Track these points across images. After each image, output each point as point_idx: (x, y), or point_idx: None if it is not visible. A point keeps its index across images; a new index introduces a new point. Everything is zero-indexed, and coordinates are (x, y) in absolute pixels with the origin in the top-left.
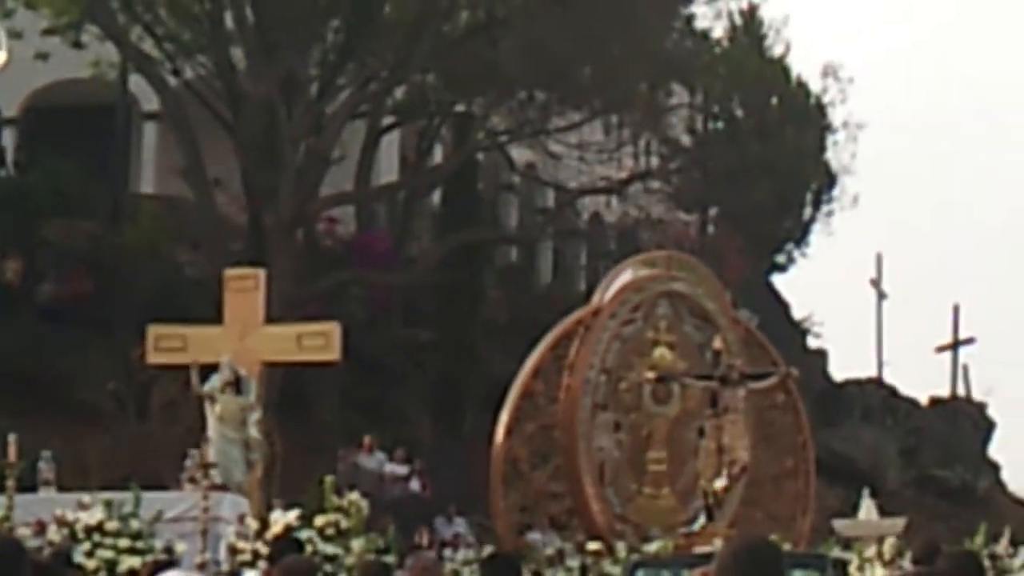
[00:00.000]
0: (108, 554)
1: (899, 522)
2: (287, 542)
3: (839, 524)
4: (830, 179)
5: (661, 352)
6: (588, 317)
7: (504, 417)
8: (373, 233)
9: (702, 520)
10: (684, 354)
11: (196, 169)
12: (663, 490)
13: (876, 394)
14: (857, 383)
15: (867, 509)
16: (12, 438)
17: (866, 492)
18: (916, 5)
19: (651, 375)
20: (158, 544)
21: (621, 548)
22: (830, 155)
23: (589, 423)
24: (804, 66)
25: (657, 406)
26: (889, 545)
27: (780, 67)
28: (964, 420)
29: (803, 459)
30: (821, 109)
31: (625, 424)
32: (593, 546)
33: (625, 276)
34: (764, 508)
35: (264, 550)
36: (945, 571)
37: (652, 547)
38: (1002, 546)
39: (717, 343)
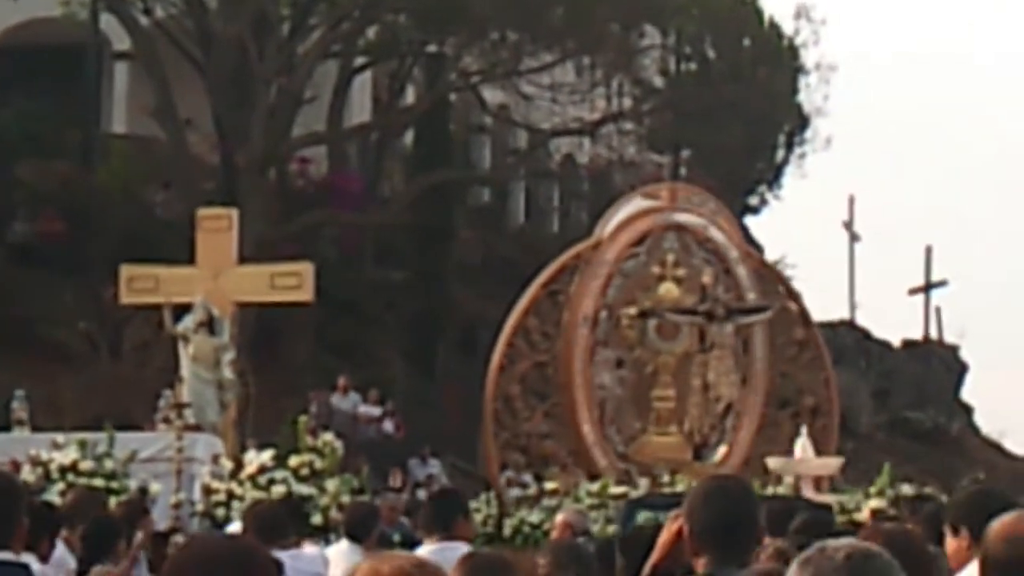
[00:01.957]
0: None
1: (834, 461)
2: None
3: (773, 462)
4: (802, 121)
5: (667, 287)
6: (587, 251)
7: (496, 354)
8: (345, 174)
9: (721, 452)
10: (693, 288)
11: (167, 109)
12: (670, 428)
13: (849, 336)
14: (830, 325)
15: (803, 447)
16: None
17: (803, 430)
18: None
19: (632, 311)
20: (132, 484)
21: (642, 486)
22: (802, 97)
23: (587, 360)
24: (776, 7)
25: (664, 342)
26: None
27: (752, 8)
28: (937, 363)
29: (826, 397)
30: (793, 50)
31: (628, 361)
32: (551, 485)
33: (627, 209)
34: (783, 446)
35: (238, 491)
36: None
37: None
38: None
39: (705, 277)
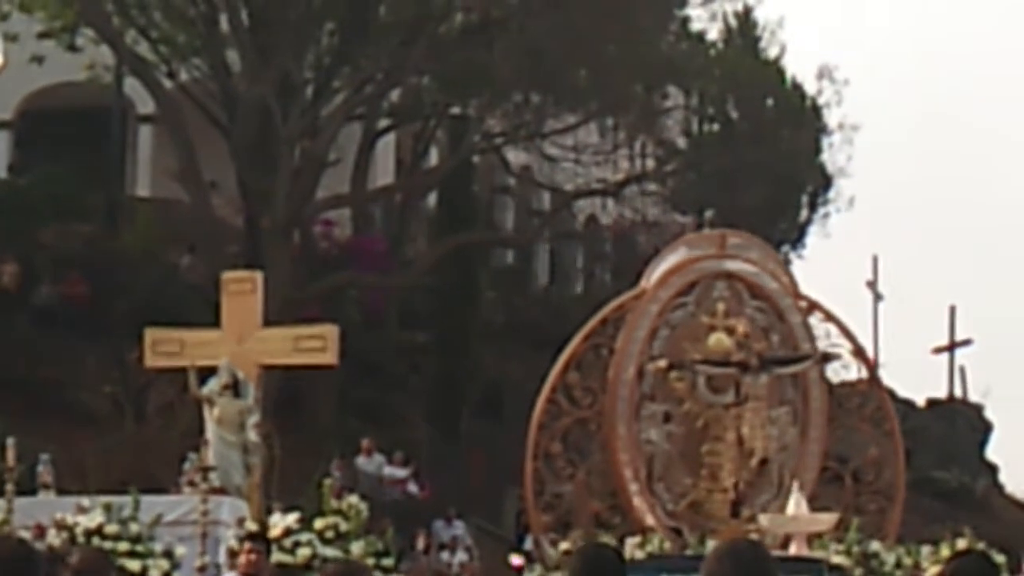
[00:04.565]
0: (111, 558)
1: (829, 517)
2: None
3: (764, 519)
4: (826, 181)
5: (718, 338)
6: (630, 302)
7: (536, 411)
8: (369, 236)
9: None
10: (752, 338)
11: (192, 172)
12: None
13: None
14: (852, 385)
15: (796, 503)
16: (10, 441)
17: (795, 485)
18: (910, 6)
19: (662, 364)
20: (158, 548)
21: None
22: (826, 157)
23: (632, 414)
24: (799, 68)
25: (714, 395)
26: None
27: (775, 69)
28: (961, 422)
29: (889, 448)
30: (816, 111)
31: (677, 415)
32: (564, 545)
33: (673, 258)
34: (844, 501)
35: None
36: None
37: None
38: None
39: (741, 327)
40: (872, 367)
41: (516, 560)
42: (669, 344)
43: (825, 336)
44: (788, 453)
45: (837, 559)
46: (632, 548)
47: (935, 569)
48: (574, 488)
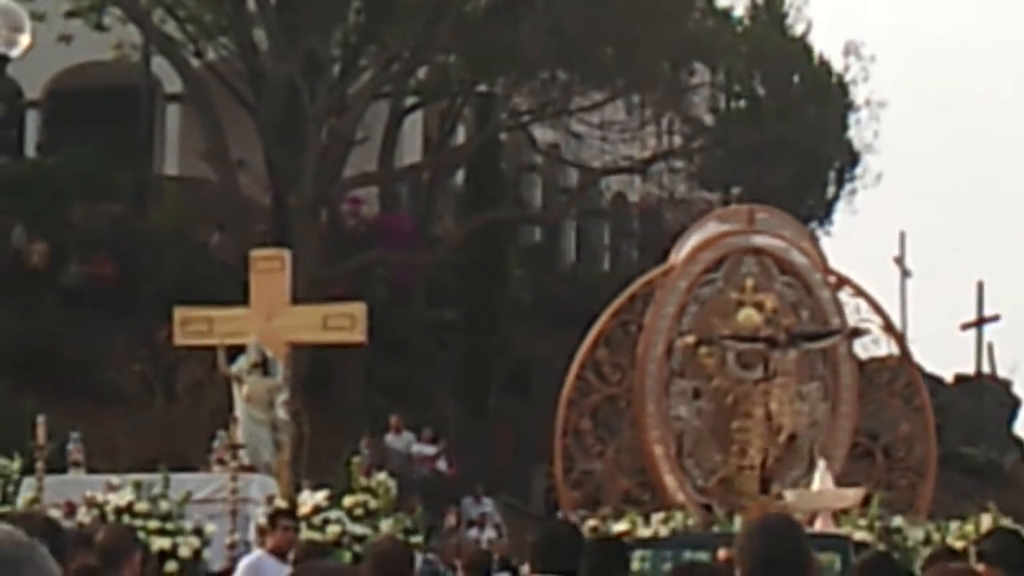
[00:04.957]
0: (138, 535)
1: (854, 492)
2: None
3: (790, 495)
4: (853, 157)
5: (747, 313)
6: (659, 278)
7: (565, 388)
8: (397, 214)
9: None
10: (781, 313)
11: (219, 150)
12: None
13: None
14: (882, 360)
15: (821, 479)
16: (40, 420)
17: (821, 462)
18: None
19: (690, 340)
20: (188, 525)
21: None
22: (852, 133)
23: (663, 391)
24: (826, 44)
25: (743, 371)
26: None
27: (802, 45)
28: (989, 398)
29: (921, 423)
30: (843, 87)
31: (706, 391)
32: (592, 522)
33: (701, 233)
34: (875, 478)
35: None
36: (990, 548)
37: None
38: None
39: (769, 303)
40: (903, 342)
41: None
42: (698, 320)
43: (855, 311)
44: (818, 429)
45: (859, 535)
46: (657, 524)
47: (959, 544)
48: (603, 465)
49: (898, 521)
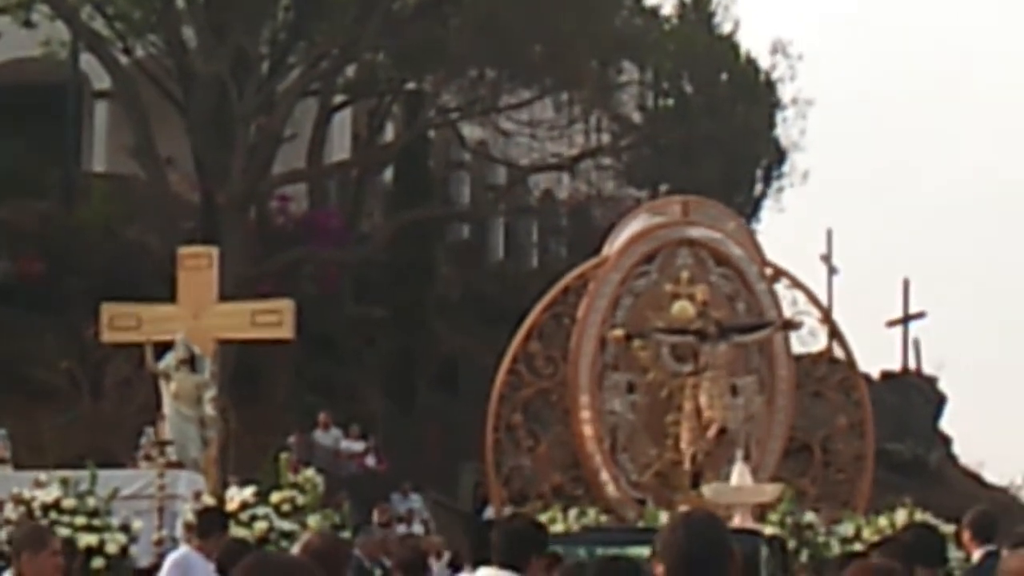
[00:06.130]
0: (65, 532)
1: (772, 488)
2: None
3: (708, 490)
4: (780, 155)
5: (682, 306)
6: (592, 271)
7: (497, 382)
8: (325, 211)
9: (736, 477)
10: (714, 306)
11: (148, 148)
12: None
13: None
14: (807, 357)
15: (740, 474)
16: None
17: (739, 454)
18: None
19: (619, 333)
20: (115, 522)
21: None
22: (780, 131)
23: (595, 384)
24: (753, 43)
25: (679, 364)
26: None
27: (729, 44)
28: (915, 394)
29: (859, 417)
30: (770, 85)
31: (640, 384)
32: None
33: (635, 225)
34: (813, 472)
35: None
36: (907, 543)
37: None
38: None
39: (700, 295)
40: (840, 334)
41: None
42: (632, 313)
43: (792, 304)
44: (755, 423)
45: (770, 530)
46: (571, 520)
47: (873, 540)
48: (535, 460)
49: (809, 516)
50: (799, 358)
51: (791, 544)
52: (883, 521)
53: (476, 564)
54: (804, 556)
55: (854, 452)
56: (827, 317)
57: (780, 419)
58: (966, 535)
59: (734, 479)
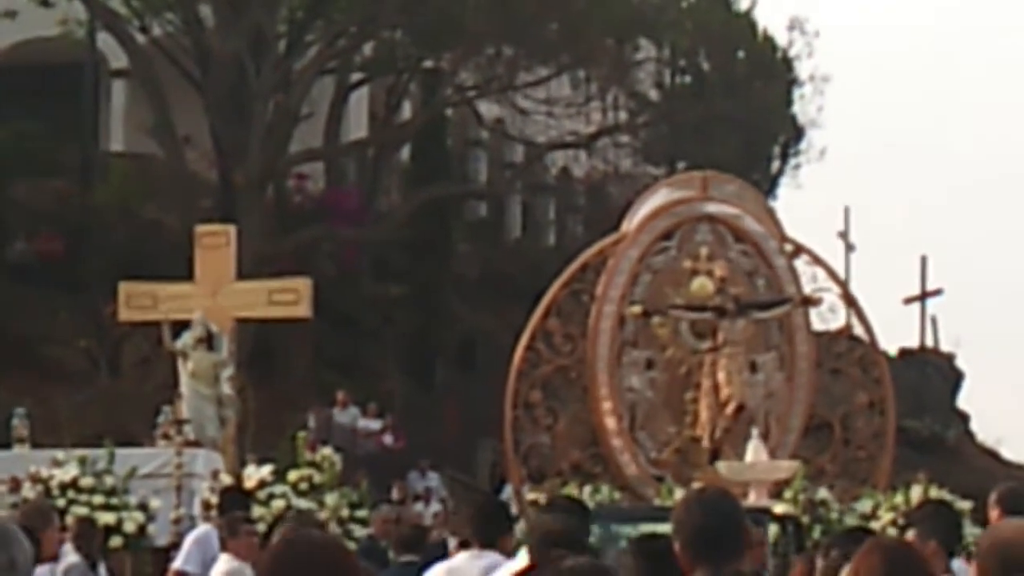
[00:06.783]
0: (83, 510)
1: (789, 465)
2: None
3: (723, 467)
4: (797, 132)
5: (701, 282)
6: (610, 247)
7: (515, 359)
8: (343, 189)
9: (751, 454)
10: (734, 282)
11: (165, 126)
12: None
13: (841, 347)
14: (826, 334)
15: (755, 450)
16: None
17: (755, 431)
18: None
19: (637, 309)
20: (133, 500)
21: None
22: (797, 108)
23: (613, 361)
24: (770, 20)
25: (699, 340)
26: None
27: (746, 21)
28: (933, 371)
29: (879, 394)
30: (787, 62)
31: (659, 361)
32: (531, 495)
33: (654, 201)
34: (833, 449)
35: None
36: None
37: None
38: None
39: (718, 271)
40: (860, 310)
41: None
42: (651, 289)
43: (812, 280)
44: (775, 400)
45: (781, 507)
46: (587, 498)
47: (888, 516)
48: (554, 437)
49: (823, 493)
50: (819, 335)
51: (804, 521)
52: (898, 498)
53: (485, 544)
54: (817, 533)
55: (874, 429)
56: (847, 294)
57: (800, 396)
58: (995, 512)
59: (749, 456)
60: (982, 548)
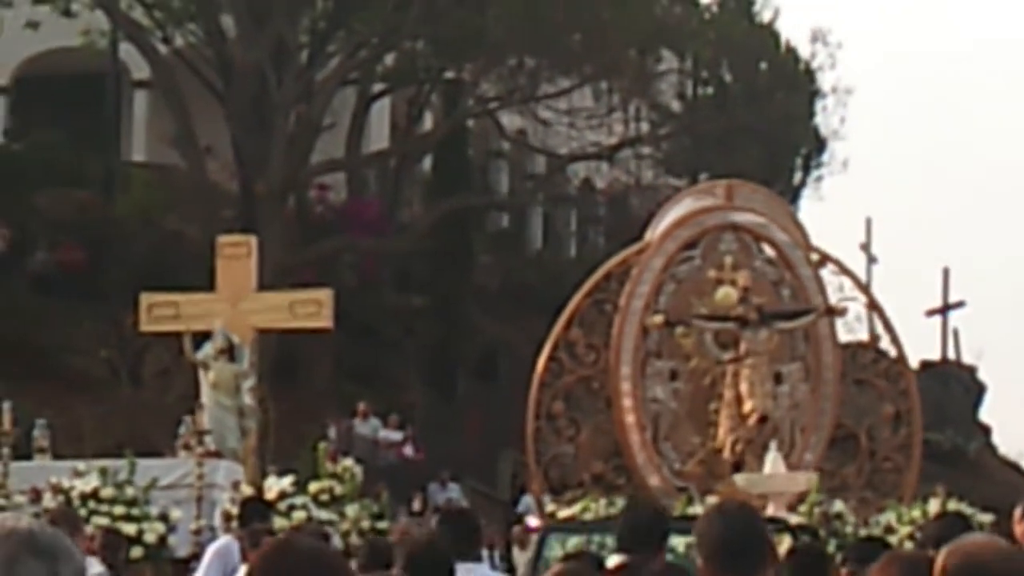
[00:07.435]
0: (104, 521)
1: (806, 477)
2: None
3: (741, 479)
4: (819, 144)
5: (726, 292)
6: (634, 256)
7: (538, 369)
8: (364, 200)
9: (769, 466)
10: (759, 292)
11: (187, 137)
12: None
13: (867, 358)
14: (852, 345)
15: (773, 463)
16: (6, 406)
17: (773, 443)
18: None
19: (658, 319)
20: (153, 511)
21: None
22: (819, 120)
23: (637, 372)
24: (793, 31)
25: (723, 351)
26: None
27: (769, 32)
28: (955, 383)
29: (905, 405)
30: (810, 74)
31: (683, 372)
32: (551, 507)
33: (678, 210)
34: (859, 461)
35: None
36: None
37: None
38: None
39: (741, 280)
40: (886, 319)
41: (532, 522)
42: (675, 299)
43: (838, 290)
44: (800, 410)
45: (796, 519)
46: (603, 509)
47: (906, 530)
48: (577, 448)
49: (838, 506)
50: (845, 346)
51: (820, 533)
52: (916, 512)
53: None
54: (832, 546)
55: (899, 441)
56: (873, 304)
57: (825, 407)
58: (1021, 527)
59: (767, 467)
60: (949, 565)
